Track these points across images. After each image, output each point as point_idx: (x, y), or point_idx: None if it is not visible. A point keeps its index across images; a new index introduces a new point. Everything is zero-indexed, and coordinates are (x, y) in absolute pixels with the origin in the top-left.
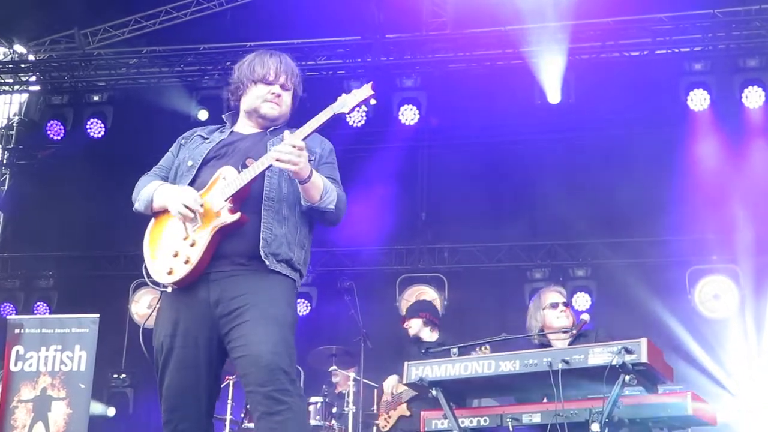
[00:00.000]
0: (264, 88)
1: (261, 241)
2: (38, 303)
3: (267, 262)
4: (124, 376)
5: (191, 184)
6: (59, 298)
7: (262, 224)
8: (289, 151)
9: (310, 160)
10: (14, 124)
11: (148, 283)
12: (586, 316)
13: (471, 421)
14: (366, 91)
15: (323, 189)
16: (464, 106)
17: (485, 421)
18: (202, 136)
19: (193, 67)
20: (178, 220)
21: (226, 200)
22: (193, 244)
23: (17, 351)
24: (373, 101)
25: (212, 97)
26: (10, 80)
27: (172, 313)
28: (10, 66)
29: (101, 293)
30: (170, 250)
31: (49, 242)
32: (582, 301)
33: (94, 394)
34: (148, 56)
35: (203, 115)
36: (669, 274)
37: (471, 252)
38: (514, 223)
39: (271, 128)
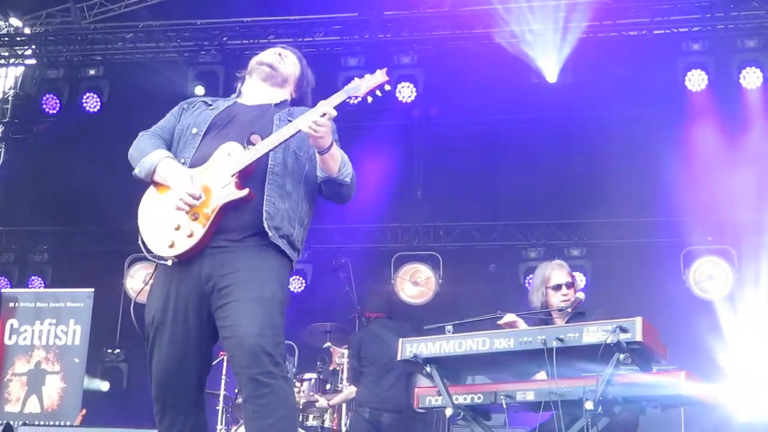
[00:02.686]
0: (269, 49)
1: (264, 213)
2: (33, 277)
3: (270, 234)
4: (118, 350)
5: (195, 153)
6: (54, 273)
7: (265, 198)
8: (323, 122)
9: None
10: (9, 98)
11: (146, 254)
12: (581, 295)
13: (465, 398)
14: (380, 77)
15: (341, 161)
16: (461, 84)
17: (479, 398)
18: (205, 102)
19: (190, 42)
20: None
21: (232, 176)
22: (196, 218)
23: (11, 324)
24: (387, 87)
25: (208, 72)
26: (6, 53)
27: (165, 287)
28: (6, 39)
29: (96, 268)
30: (172, 222)
31: (45, 216)
32: (576, 280)
33: (88, 368)
34: (145, 31)
35: (200, 90)
36: (664, 254)
37: (466, 230)
38: (509, 201)
39: (276, 102)
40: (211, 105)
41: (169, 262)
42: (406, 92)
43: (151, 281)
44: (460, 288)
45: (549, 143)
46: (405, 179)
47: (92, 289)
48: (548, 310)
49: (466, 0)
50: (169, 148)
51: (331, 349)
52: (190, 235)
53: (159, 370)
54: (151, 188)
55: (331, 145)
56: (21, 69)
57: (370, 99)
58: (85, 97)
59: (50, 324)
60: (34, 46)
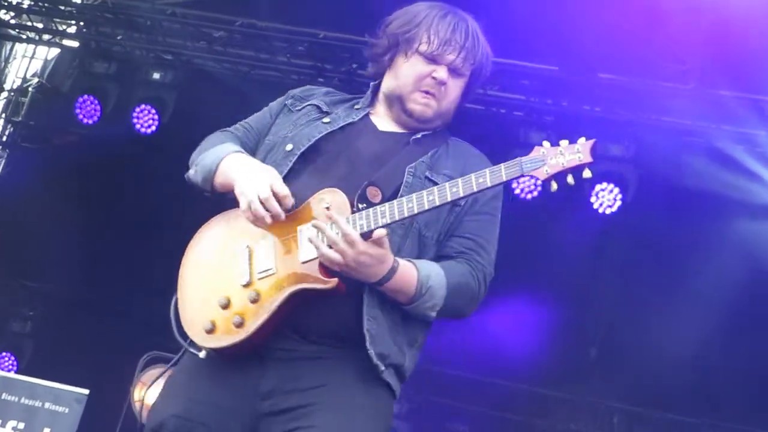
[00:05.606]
0: (422, 65)
1: (365, 335)
2: (3, 354)
3: (380, 368)
4: None
5: (284, 181)
6: (35, 351)
7: (365, 311)
8: (339, 242)
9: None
10: (30, 89)
11: (175, 332)
12: None
13: None
14: (584, 153)
15: (415, 291)
16: (692, 198)
17: None
18: (319, 106)
19: (305, 60)
20: (243, 245)
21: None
22: (255, 300)
23: None
24: (587, 173)
25: None
26: (40, 25)
27: (193, 385)
28: (45, 6)
29: (97, 357)
30: (219, 294)
31: (39, 267)
32: None
33: None
34: (243, 31)
35: None
36: None
37: (666, 424)
38: (738, 392)
39: (419, 134)
40: (326, 112)
41: (203, 354)
42: (606, 198)
43: (158, 380)
44: None
45: None
46: (575, 328)
47: (86, 391)
48: None
49: (720, 80)
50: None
51: None
52: (240, 324)
53: None
54: (215, 223)
55: (383, 279)
56: (56, 51)
57: (554, 186)
58: (138, 109)
59: (14, 429)
60: (81, 23)
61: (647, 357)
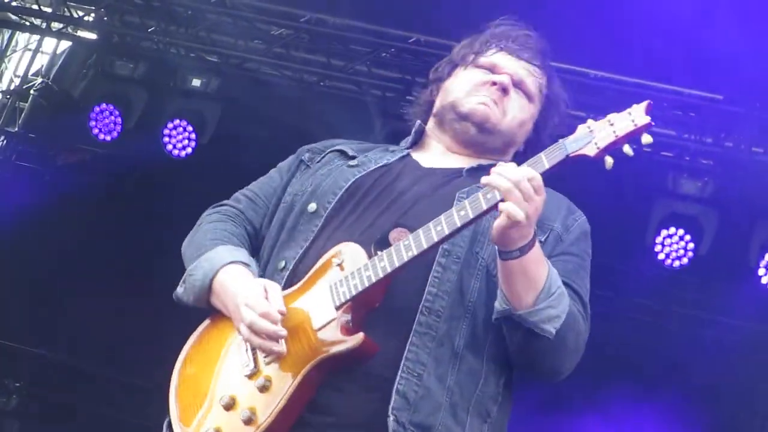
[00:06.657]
0: (480, 74)
1: (392, 397)
2: None
3: None
4: None
5: (308, 252)
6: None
7: (403, 362)
8: (520, 180)
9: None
10: (32, 92)
11: None
12: None
13: None
14: (640, 116)
15: (545, 285)
16: None
17: None
18: (344, 151)
19: (391, 71)
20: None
21: (338, 308)
22: (266, 387)
23: None
24: (646, 138)
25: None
26: (49, 10)
27: None
28: None
29: None
30: (220, 396)
31: (27, 327)
32: None
33: None
34: (311, 29)
35: None
36: None
37: None
38: None
39: (475, 163)
40: (353, 157)
41: None
42: None
43: None
44: None
45: None
46: None
47: None
48: None
49: None
50: (256, 240)
51: None
52: (250, 421)
53: None
54: (207, 324)
55: (529, 244)
56: (67, 45)
57: (610, 161)
58: (171, 125)
59: None
60: (102, 10)
61: None
